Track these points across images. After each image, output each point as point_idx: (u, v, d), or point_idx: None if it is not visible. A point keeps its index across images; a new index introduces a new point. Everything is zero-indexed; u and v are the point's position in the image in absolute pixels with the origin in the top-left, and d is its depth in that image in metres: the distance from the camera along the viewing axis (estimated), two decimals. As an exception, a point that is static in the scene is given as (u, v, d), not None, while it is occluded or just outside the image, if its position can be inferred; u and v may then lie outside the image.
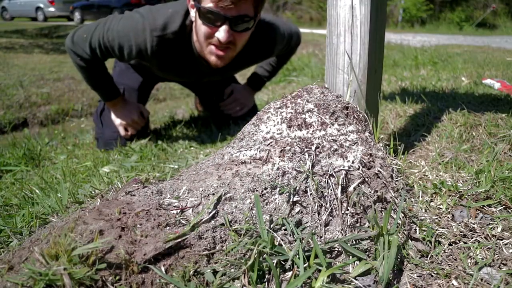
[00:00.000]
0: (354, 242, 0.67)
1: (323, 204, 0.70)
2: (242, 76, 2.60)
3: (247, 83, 2.05)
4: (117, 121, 1.75)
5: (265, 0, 1.39)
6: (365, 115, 0.91)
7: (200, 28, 1.35)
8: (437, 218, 0.79)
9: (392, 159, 0.88)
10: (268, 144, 0.77)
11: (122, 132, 1.76)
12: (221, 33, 1.31)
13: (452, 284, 0.62)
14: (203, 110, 2.35)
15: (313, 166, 0.73)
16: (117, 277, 0.54)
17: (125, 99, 1.76)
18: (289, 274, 0.62)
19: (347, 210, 0.71)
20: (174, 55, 1.50)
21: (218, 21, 1.30)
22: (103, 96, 1.70)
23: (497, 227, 0.74)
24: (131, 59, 1.50)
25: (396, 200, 0.76)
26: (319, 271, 0.60)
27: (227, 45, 1.37)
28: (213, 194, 0.68)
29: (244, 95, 2.02)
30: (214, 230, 0.64)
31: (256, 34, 1.50)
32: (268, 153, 0.75)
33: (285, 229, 0.66)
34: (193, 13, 1.38)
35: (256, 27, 1.46)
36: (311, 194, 0.70)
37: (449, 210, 0.81)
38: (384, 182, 0.77)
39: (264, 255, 0.60)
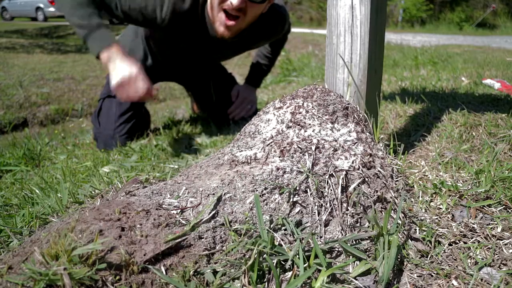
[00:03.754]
0: (354, 242, 0.67)
1: (323, 204, 0.70)
2: (242, 77, 2.60)
3: (247, 81, 2.06)
4: (113, 80, 1.31)
5: None
6: (365, 115, 0.91)
7: None
8: (437, 218, 0.79)
9: (392, 159, 0.88)
10: (268, 144, 0.77)
11: (120, 96, 1.35)
12: None
13: (452, 284, 0.62)
14: (201, 112, 2.35)
15: (313, 166, 0.73)
16: (117, 277, 0.54)
17: (123, 52, 1.34)
18: (289, 274, 0.62)
19: (347, 210, 0.71)
20: (189, 20, 1.51)
21: None
22: (96, 43, 1.32)
23: (497, 227, 0.74)
24: (144, 18, 1.45)
25: (396, 200, 0.76)
26: (319, 271, 0.60)
27: (238, 13, 1.41)
28: (213, 194, 0.68)
29: (249, 93, 2.05)
30: (214, 230, 0.64)
31: (267, 10, 1.53)
32: (268, 153, 0.75)
33: (285, 229, 0.66)
34: None
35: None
36: (311, 194, 0.70)
37: (449, 210, 0.81)
38: (384, 182, 0.77)
39: (264, 255, 0.60)
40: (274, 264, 0.60)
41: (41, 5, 13.59)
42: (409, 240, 0.72)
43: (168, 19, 1.45)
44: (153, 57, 1.81)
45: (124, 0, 1.42)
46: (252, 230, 0.64)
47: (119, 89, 1.31)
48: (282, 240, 0.65)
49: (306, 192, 0.70)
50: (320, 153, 0.75)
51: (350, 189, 0.72)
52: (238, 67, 4.53)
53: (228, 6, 1.39)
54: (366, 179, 0.75)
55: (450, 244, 0.71)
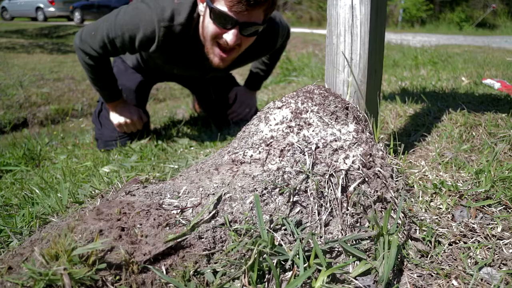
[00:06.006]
0: (354, 242, 0.67)
1: (323, 204, 0.70)
2: (242, 77, 2.60)
3: (246, 84, 2.05)
4: (115, 120, 1.76)
5: (275, 7, 1.39)
6: (365, 115, 0.91)
7: (208, 26, 1.35)
8: (437, 218, 0.79)
9: (392, 159, 0.88)
10: (268, 144, 0.77)
11: (119, 130, 1.79)
12: (230, 36, 1.32)
13: (452, 284, 0.62)
14: (202, 111, 2.35)
15: (313, 166, 0.73)
16: (117, 277, 0.54)
17: (125, 101, 1.77)
18: (289, 274, 0.62)
19: (347, 210, 0.71)
20: (181, 47, 1.49)
21: (229, 24, 1.31)
22: (106, 97, 1.70)
23: (497, 227, 0.74)
24: (141, 50, 1.49)
25: (396, 200, 0.76)
26: (319, 271, 0.61)
27: (233, 47, 1.38)
28: (213, 194, 0.68)
29: (247, 96, 2.04)
30: (214, 230, 0.64)
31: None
32: (268, 153, 0.75)
33: (285, 229, 0.66)
34: (201, 7, 1.37)
35: None
36: (311, 194, 0.70)
37: (449, 210, 0.81)
38: (384, 182, 0.77)
39: (264, 255, 0.60)
40: (274, 264, 0.60)
41: (41, 5, 13.59)
42: (409, 240, 0.72)
43: (163, 38, 1.41)
44: (148, 67, 1.82)
45: (124, 35, 1.42)
46: (252, 230, 0.64)
47: (117, 127, 1.78)
48: (282, 240, 0.65)
49: (306, 192, 0.70)
50: (320, 153, 0.75)
51: (350, 189, 0.72)
52: (238, 67, 4.52)
53: (223, 43, 1.36)
54: (366, 179, 0.75)
55: (450, 244, 0.71)
